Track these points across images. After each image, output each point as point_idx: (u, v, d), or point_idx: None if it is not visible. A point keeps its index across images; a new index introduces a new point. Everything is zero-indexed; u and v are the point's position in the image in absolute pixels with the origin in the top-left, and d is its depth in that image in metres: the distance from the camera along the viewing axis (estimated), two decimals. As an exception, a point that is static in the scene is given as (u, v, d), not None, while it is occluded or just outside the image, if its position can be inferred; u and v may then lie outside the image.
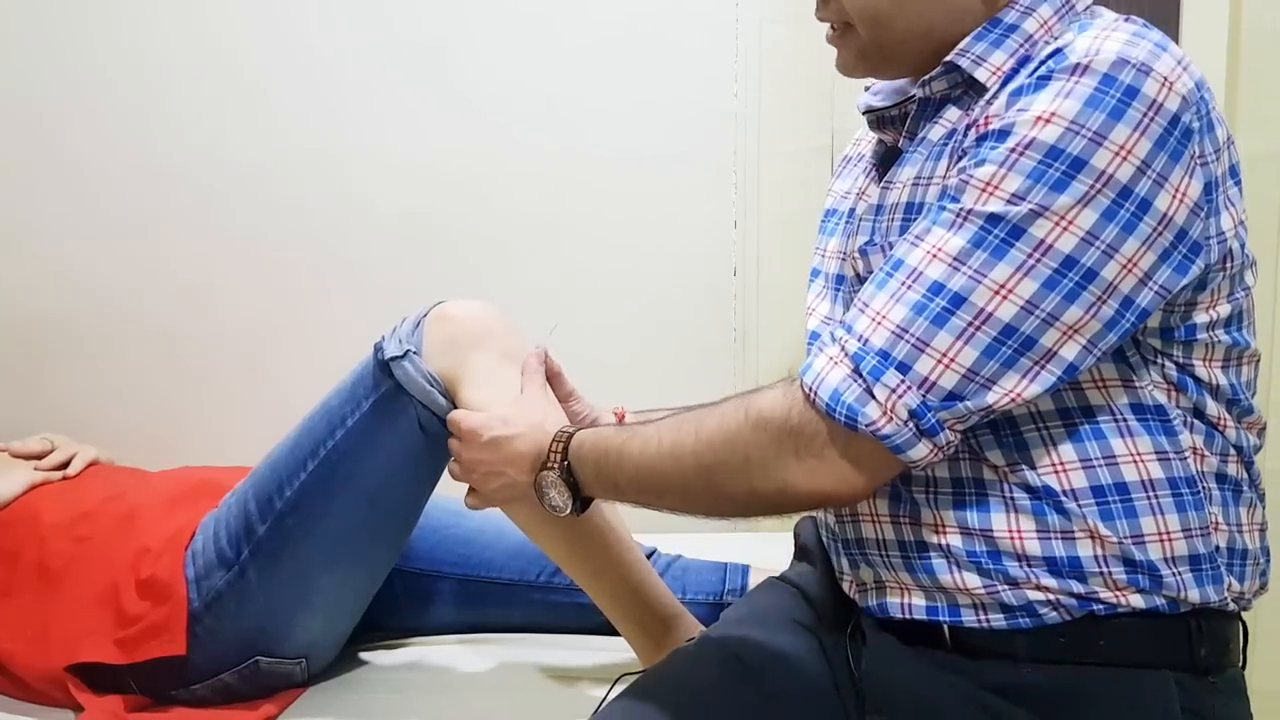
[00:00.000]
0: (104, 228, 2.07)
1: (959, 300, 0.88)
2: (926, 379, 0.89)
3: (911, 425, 0.89)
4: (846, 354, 0.91)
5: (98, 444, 1.71)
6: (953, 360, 0.88)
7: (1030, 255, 0.87)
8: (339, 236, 2.06)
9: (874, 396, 0.89)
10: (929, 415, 0.89)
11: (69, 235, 2.07)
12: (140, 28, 2.02)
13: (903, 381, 0.89)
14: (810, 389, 0.92)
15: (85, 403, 2.06)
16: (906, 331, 0.89)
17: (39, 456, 1.63)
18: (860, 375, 0.90)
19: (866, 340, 0.90)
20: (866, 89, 1.11)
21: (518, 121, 2.02)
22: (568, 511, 1.10)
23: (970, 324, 0.88)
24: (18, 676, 1.43)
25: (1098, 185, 0.86)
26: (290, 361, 2.05)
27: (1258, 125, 1.54)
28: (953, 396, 0.89)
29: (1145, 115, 0.86)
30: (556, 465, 1.09)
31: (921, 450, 0.90)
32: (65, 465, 1.63)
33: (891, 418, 0.89)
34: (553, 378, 1.27)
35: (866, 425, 0.90)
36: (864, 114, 1.10)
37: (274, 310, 2.08)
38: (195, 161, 2.05)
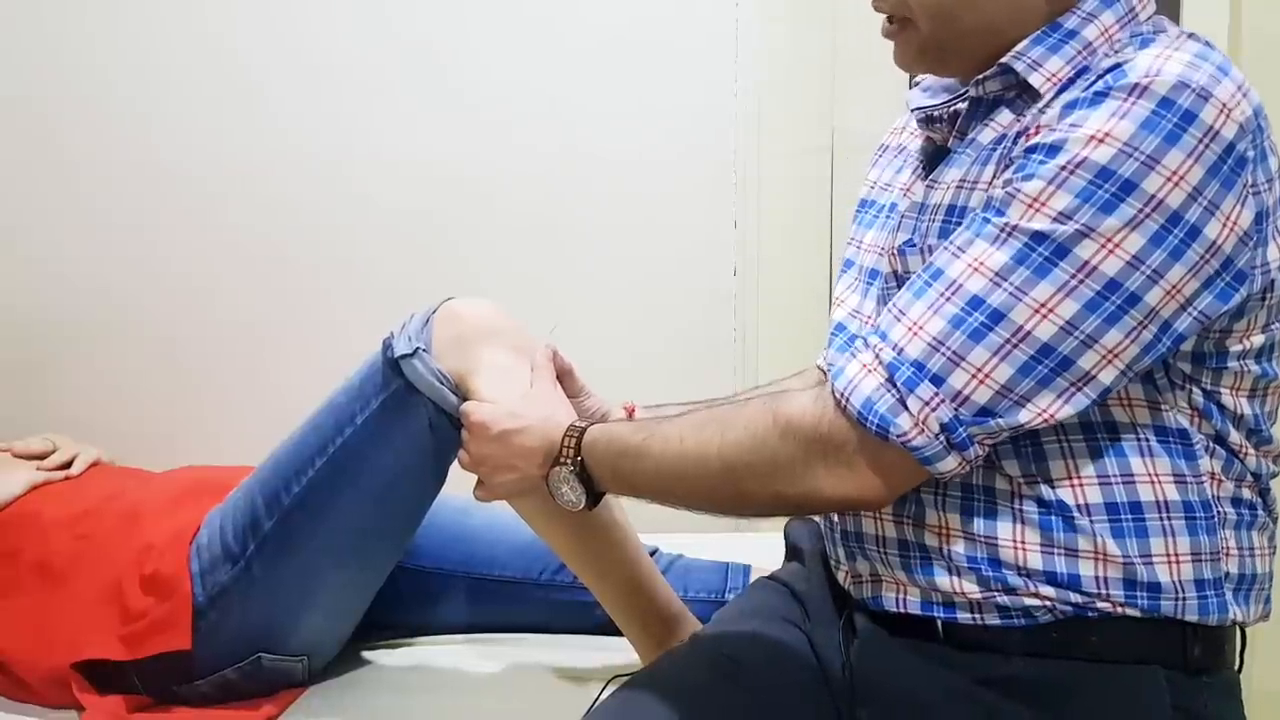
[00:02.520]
0: (104, 228, 2.07)
1: (998, 316, 0.88)
2: (960, 393, 0.89)
3: (942, 438, 0.89)
4: (881, 362, 0.91)
5: (98, 444, 1.71)
6: (988, 376, 0.88)
7: (1073, 276, 0.86)
8: (339, 236, 2.06)
9: (906, 408, 0.89)
10: (960, 430, 0.89)
11: (69, 235, 2.07)
12: (140, 28, 2.02)
13: (936, 394, 0.89)
14: (842, 395, 0.92)
15: (85, 403, 2.06)
16: (943, 344, 0.89)
17: (41, 457, 1.63)
18: (894, 385, 0.90)
19: (902, 350, 0.90)
20: (915, 84, 1.11)
21: (518, 121, 2.01)
22: (581, 506, 1.10)
23: (1008, 341, 0.88)
24: (19, 676, 1.43)
25: (1147, 209, 0.85)
26: (290, 361, 2.05)
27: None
28: (985, 412, 0.89)
29: (1201, 142, 0.85)
30: (569, 460, 1.08)
31: (950, 463, 0.90)
32: (67, 465, 1.63)
33: (923, 430, 0.89)
34: (564, 375, 1.27)
35: (897, 436, 0.90)
36: (912, 111, 1.09)
37: (274, 310, 2.08)
38: (194, 161, 2.04)
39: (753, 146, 1.99)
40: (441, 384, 1.28)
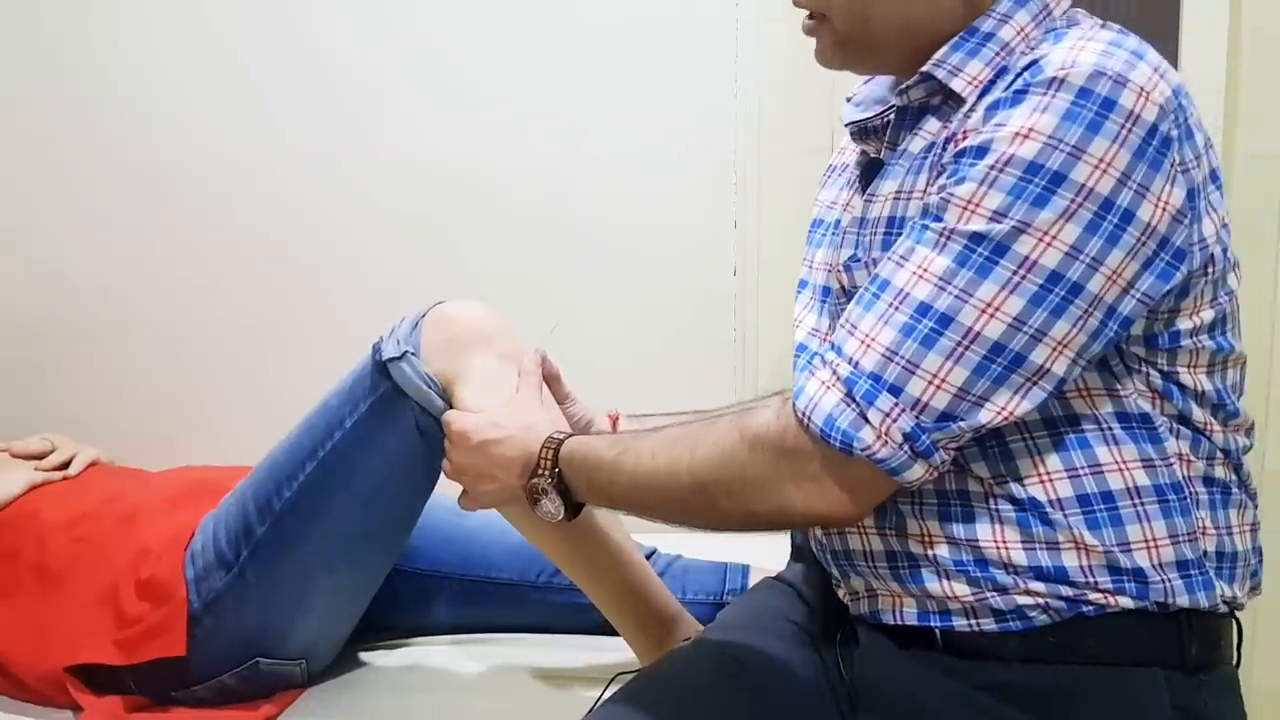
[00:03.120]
0: (104, 228, 2.07)
1: (946, 320, 0.88)
2: (919, 401, 0.89)
3: (906, 448, 0.89)
4: (839, 378, 0.91)
5: (98, 444, 1.71)
6: (944, 381, 0.88)
7: (1015, 272, 0.87)
8: (339, 236, 2.06)
9: (868, 421, 0.89)
10: (923, 437, 0.89)
11: (69, 235, 2.07)
12: (140, 28, 2.02)
13: (896, 404, 0.89)
14: (803, 414, 0.92)
15: (85, 403, 2.06)
16: (896, 354, 0.89)
17: (39, 457, 1.63)
18: (854, 400, 0.90)
19: (857, 363, 0.90)
20: (849, 100, 1.11)
21: (517, 122, 2.01)
22: (560, 518, 1.10)
23: (959, 344, 0.88)
24: (17, 677, 1.43)
25: (1079, 199, 0.86)
26: (290, 361, 2.05)
27: (1258, 125, 1.54)
28: (946, 417, 0.89)
29: (1123, 127, 0.86)
30: (547, 472, 1.09)
31: (917, 471, 0.91)
32: (66, 465, 1.63)
33: (886, 441, 0.89)
34: (551, 380, 1.27)
35: (862, 450, 0.90)
36: (845, 125, 1.09)
37: (274, 310, 2.08)
38: (195, 161, 2.05)
39: (753, 146, 1.99)
40: (429, 388, 1.28)
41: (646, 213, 2.03)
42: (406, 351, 1.29)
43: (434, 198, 2.03)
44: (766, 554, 1.54)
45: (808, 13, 1.03)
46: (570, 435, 1.11)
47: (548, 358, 1.28)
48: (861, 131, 1.08)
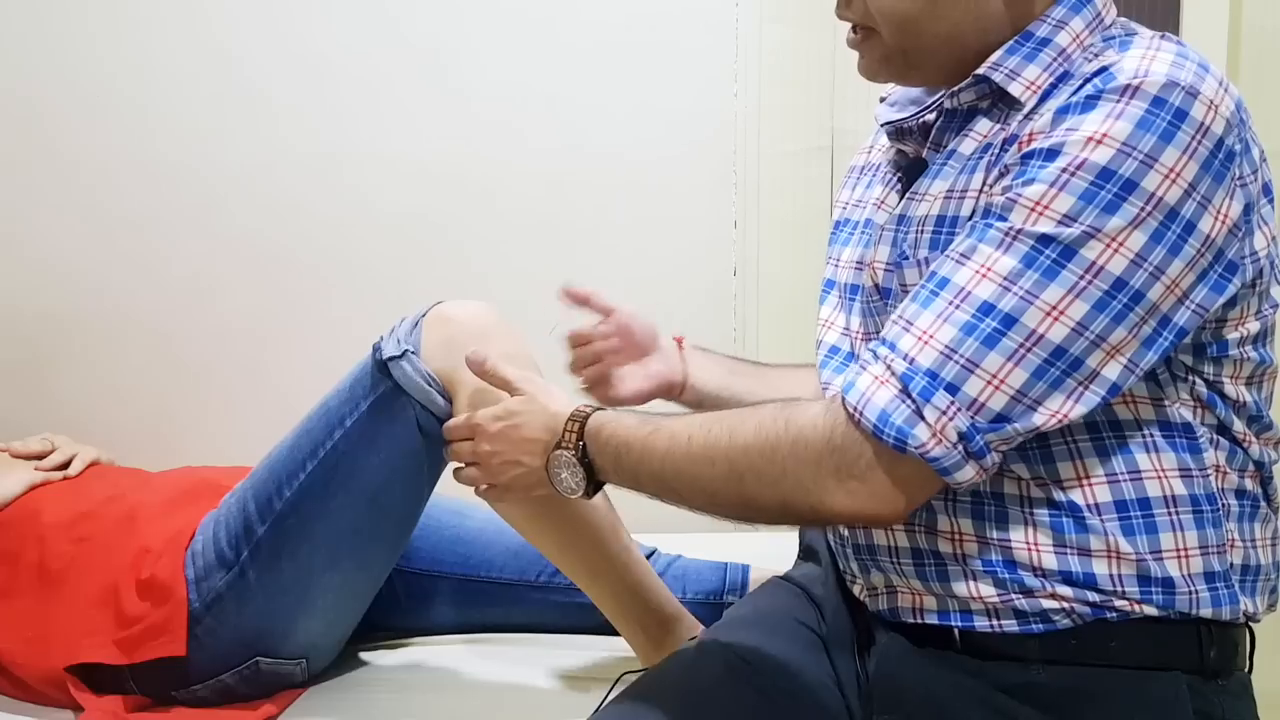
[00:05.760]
0: (104, 228, 2.07)
1: (1010, 321, 0.88)
2: (976, 400, 0.88)
3: (960, 448, 0.89)
4: (894, 374, 0.90)
5: (98, 444, 1.70)
6: (1003, 382, 0.88)
7: (1082, 277, 0.87)
8: (339, 236, 2.06)
9: (923, 418, 0.88)
10: (978, 437, 0.89)
11: (69, 235, 2.07)
12: (140, 28, 2.02)
13: (952, 403, 0.88)
14: (855, 409, 0.91)
15: (85, 403, 2.06)
16: (956, 352, 0.88)
17: (39, 457, 1.63)
18: (909, 396, 0.89)
19: (914, 360, 0.90)
20: (882, 100, 1.11)
21: (518, 121, 2.02)
22: (579, 494, 1.07)
23: (1021, 345, 0.87)
24: (18, 677, 1.43)
25: (1148, 208, 0.86)
26: (290, 361, 2.05)
27: (1257, 125, 1.54)
28: (1001, 418, 0.89)
29: (1194, 138, 0.86)
30: (572, 445, 1.06)
31: (969, 472, 0.90)
32: (66, 465, 1.63)
33: (941, 440, 0.88)
34: (596, 306, 1.30)
35: (916, 447, 0.89)
36: (882, 126, 1.08)
37: (274, 310, 2.08)
38: (195, 161, 2.04)
39: (753, 146, 1.99)
40: (430, 386, 1.28)
41: (647, 213, 2.03)
42: (407, 350, 1.29)
43: (434, 197, 2.03)
44: (767, 554, 1.54)
45: (852, 26, 1.02)
46: (596, 409, 1.08)
47: (593, 296, 1.32)
48: (898, 132, 1.07)
